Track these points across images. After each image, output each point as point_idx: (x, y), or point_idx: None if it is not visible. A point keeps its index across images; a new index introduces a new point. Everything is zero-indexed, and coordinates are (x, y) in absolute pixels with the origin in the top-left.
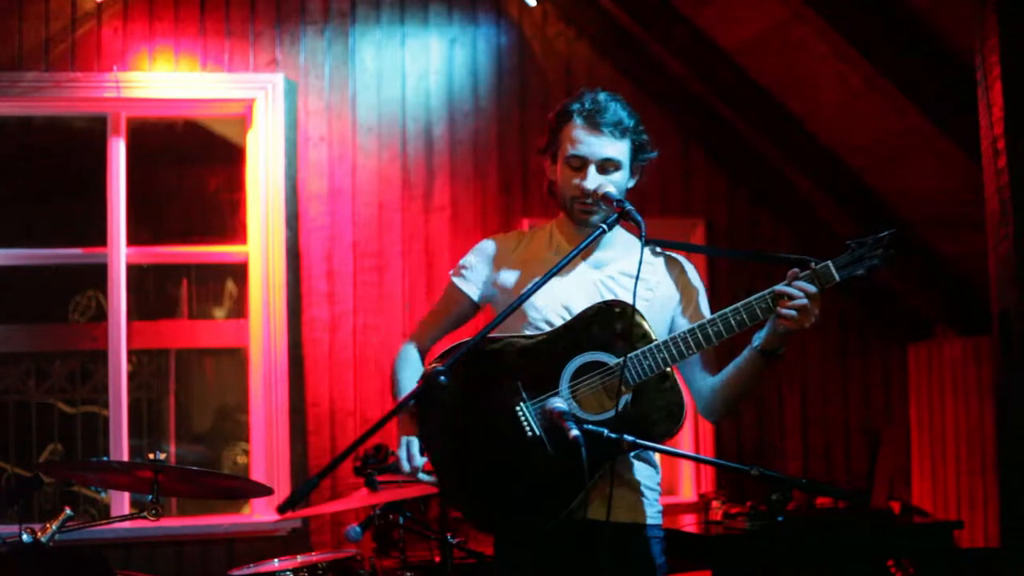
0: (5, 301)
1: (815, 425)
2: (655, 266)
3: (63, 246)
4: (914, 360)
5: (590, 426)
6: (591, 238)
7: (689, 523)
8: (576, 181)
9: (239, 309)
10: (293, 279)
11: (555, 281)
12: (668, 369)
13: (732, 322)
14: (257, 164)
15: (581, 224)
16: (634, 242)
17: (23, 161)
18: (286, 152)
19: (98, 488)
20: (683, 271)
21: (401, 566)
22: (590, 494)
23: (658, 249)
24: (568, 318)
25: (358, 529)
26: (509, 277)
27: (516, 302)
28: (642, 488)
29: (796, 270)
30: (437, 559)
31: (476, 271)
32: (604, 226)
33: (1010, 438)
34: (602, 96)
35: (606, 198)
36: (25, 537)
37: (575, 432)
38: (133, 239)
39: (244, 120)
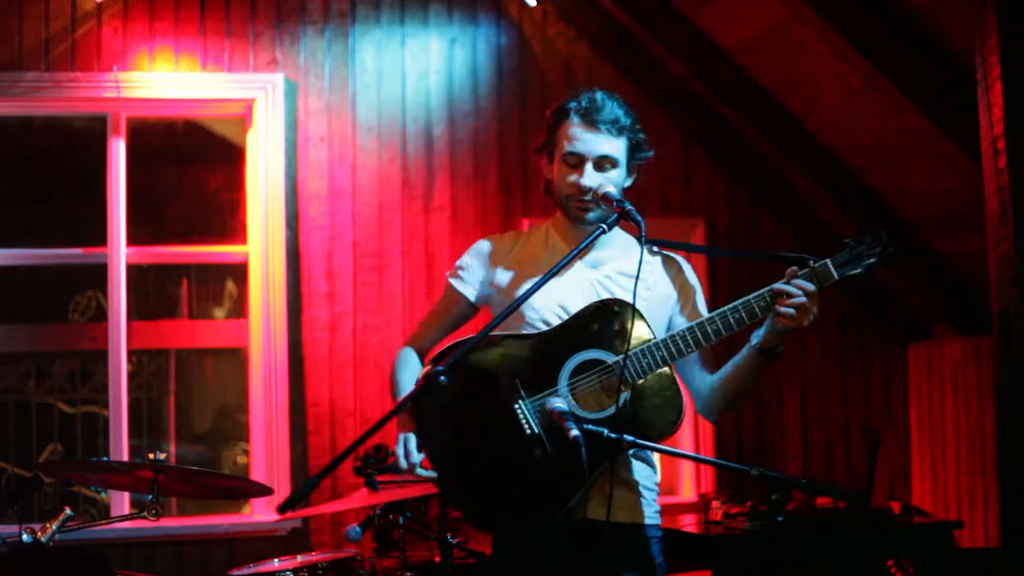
0: (5, 301)
1: (815, 425)
2: (652, 265)
3: (63, 246)
4: (914, 360)
5: (590, 426)
6: (591, 238)
7: (689, 523)
8: (573, 178)
9: (239, 309)
10: (293, 279)
11: (552, 281)
12: (667, 368)
13: (731, 320)
14: (257, 164)
15: (577, 222)
16: (631, 242)
17: (23, 161)
18: (286, 152)
19: (98, 488)
20: (680, 270)
21: (401, 566)
22: (589, 493)
23: (655, 248)
24: (565, 318)
25: (358, 529)
26: (505, 277)
27: (516, 302)
28: (640, 488)
29: (795, 268)
30: (437, 559)
31: (472, 272)
32: (604, 226)
33: (1010, 438)
34: (599, 94)
35: (606, 198)
36: (25, 537)
37: (575, 432)
38: (133, 239)
39: (244, 120)
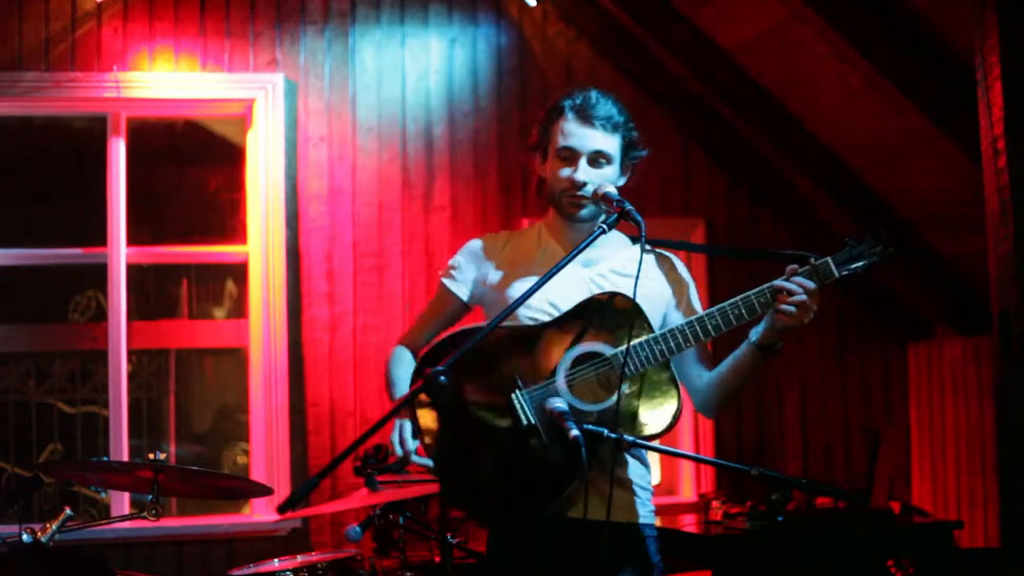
0: (5, 301)
1: (815, 425)
2: (646, 263)
3: (63, 246)
4: (914, 360)
5: (590, 426)
6: (592, 238)
7: (689, 523)
8: (567, 173)
9: (239, 309)
10: (293, 279)
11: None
12: (666, 363)
13: (731, 316)
14: (257, 164)
15: (570, 219)
16: (624, 240)
17: (23, 161)
18: (286, 152)
19: (98, 488)
20: (673, 267)
21: (401, 566)
22: (586, 492)
23: (647, 246)
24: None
25: (358, 529)
26: (498, 276)
27: (516, 302)
28: (634, 487)
29: (795, 266)
30: (437, 559)
31: (465, 271)
32: (604, 226)
33: (1010, 438)
34: (593, 92)
35: (606, 198)
36: (25, 537)
37: (575, 432)
38: (133, 239)
39: (244, 120)
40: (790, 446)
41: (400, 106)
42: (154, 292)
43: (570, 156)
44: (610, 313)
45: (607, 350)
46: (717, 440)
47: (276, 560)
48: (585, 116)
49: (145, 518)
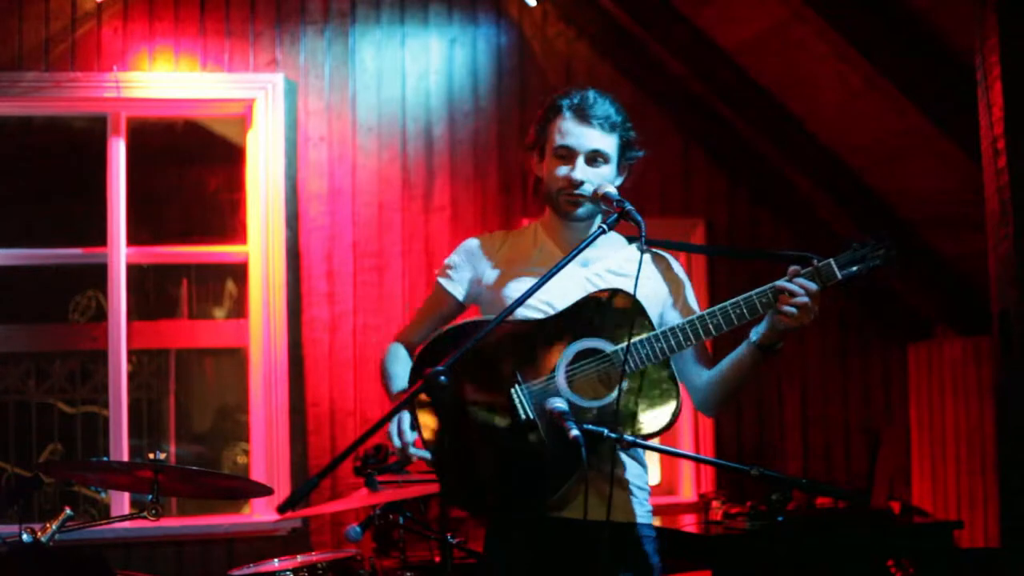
0: (5, 301)
1: (815, 425)
2: (642, 263)
3: (63, 246)
4: (914, 360)
5: (590, 426)
6: (592, 238)
7: (689, 523)
8: (564, 171)
9: (239, 309)
10: (293, 279)
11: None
12: (666, 361)
13: (732, 315)
14: (257, 164)
15: (567, 217)
16: (620, 240)
17: (23, 161)
18: (286, 152)
19: (98, 488)
20: (669, 266)
21: (401, 566)
22: (587, 492)
23: (640, 245)
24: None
25: (358, 529)
26: (494, 276)
27: (516, 302)
28: (632, 487)
29: (797, 267)
30: (437, 559)
31: (461, 271)
32: (605, 226)
33: (1010, 438)
34: (591, 92)
35: (606, 198)
36: (25, 537)
37: (575, 432)
38: (133, 239)
39: (244, 120)
40: (790, 446)
41: (400, 106)
42: (154, 292)
43: (567, 155)
44: (610, 310)
45: (607, 347)
46: (717, 440)
47: (276, 560)
48: (583, 115)
49: (145, 518)
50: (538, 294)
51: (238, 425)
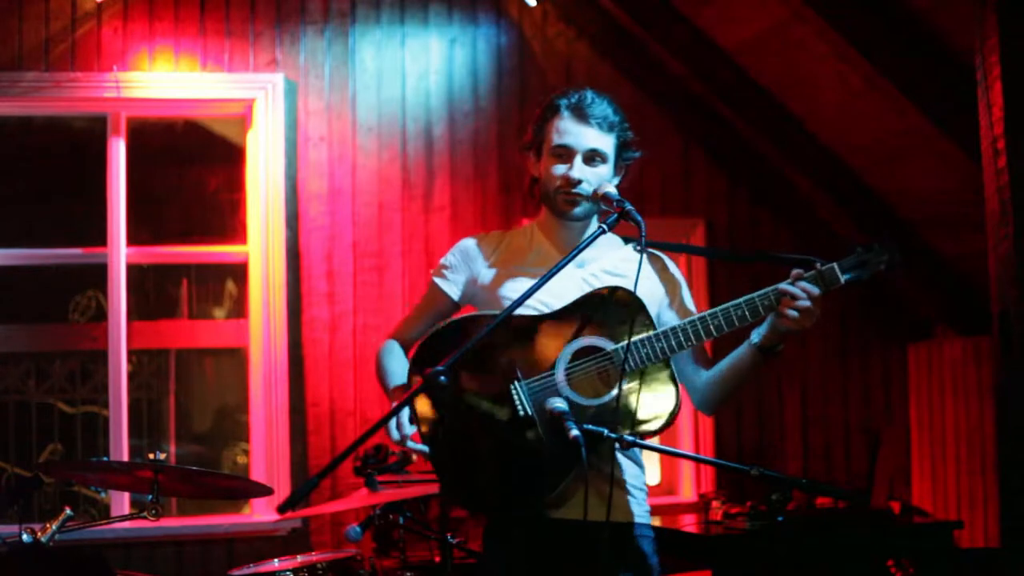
0: (5, 301)
1: (815, 425)
2: (635, 262)
3: (63, 246)
4: (914, 360)
5: (590, 426)
6: (592, 238)
7: (689, 523)
8: (561, 171)
9: (239, 309)
10: (293, 279)
11: (537, 279)
12: (666, 360)
13: (733, 317)
14: (257, 164)
15: (564, 217)
16: (615, 240)
17: (23, 161)
18: (286, 152)
19: (98, 488)
20: (664, 266)
21: (401, 566)
22: (587, 492)
23: (637, 246)
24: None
25: (358, 529)
26: (490, 276)
27: (516, 302)
28: (629, 487)
29: (800, 271)
30: (437, 559)
31: (457, 271)
32: (605, 227)
33: (1010, 438)
34: (589, 92)
35: (606, 198)
36: (25, 537)
37: (575, 432)
38: (133, 239)
39: (244, 120)
40: (790, 446)
41: (400, 106)
42: (154, 292)
43: (565, 153)
44: (611, 308)
45: (607, 345)
46: (717, 440)
47: (276, 560)
48: (581, 114)
49: (145, 518)
50: (536, 295)
51: (238, 425)
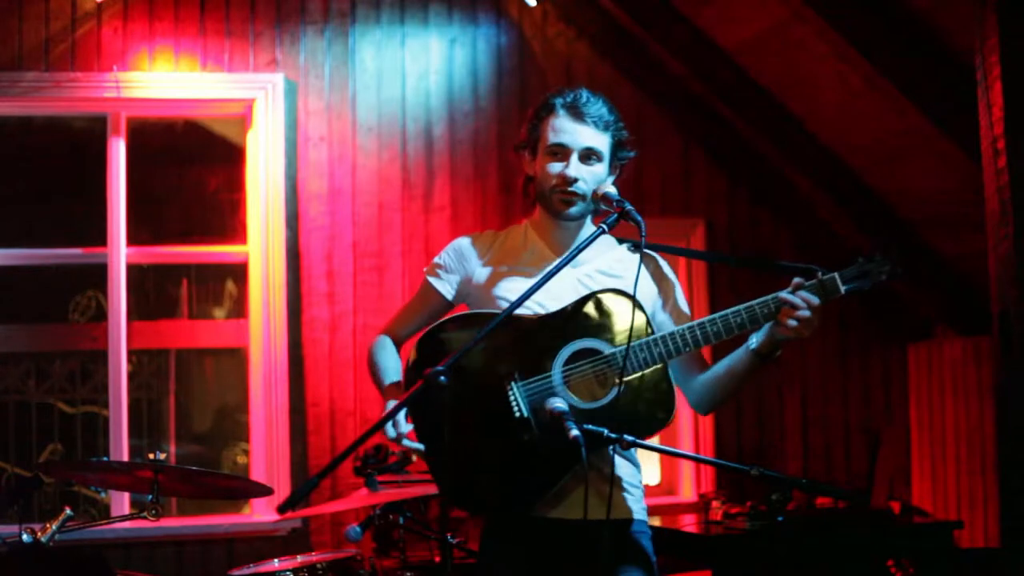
0: (5, 301)
1: (815, 425)
2: (630, 263)
3: (63, 246)
4: (914, 360)
5: (590, 426)
6: (593, 237)
7: (689, 523)
8: (557, 169)
9: (239, 309)
10: (293, 279)
11: (533, 279)
12: (661, 363)
13: (732, 323)
14: (257, 164)
15: (559, 216)
16: (610, 241)
17: (23, 161)
18: (286, 152)
19: (98, 488)
20: (658, 266)
21: (401, 566)
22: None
23: (631, 247)
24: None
25: (358, 529)
26: (484, 275)
27: (514, 303)
28: (626, 484)
29: (800, 280)
30: (437, 559)
31: (451, 270)
32: (605, 227)
33: (1010, 438)
34: (584, 91)
35: (606, 198)
36: (25, 537)
37: (575, 432)
38: (133, 239)
39: (244, 120)
40: (790, 446)
41: (400, 106)
42: (154, 292)
43: (561, 152)
44: (609, 311)
45: (604, 348)
46: (717, 440)
47: (276, 560)
48: (577, 113)
49: (145, 518)
50: (532, 297)
51: (238, 425)
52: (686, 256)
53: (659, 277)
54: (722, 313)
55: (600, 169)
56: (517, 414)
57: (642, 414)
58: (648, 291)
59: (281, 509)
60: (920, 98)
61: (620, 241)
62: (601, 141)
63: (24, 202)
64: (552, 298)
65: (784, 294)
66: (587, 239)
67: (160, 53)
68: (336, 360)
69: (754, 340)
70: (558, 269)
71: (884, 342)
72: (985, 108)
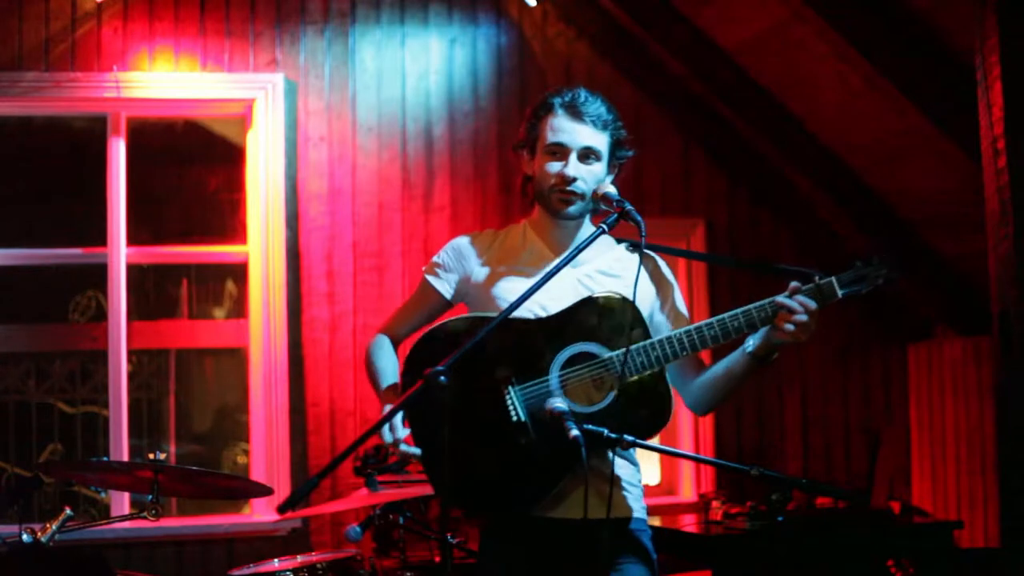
0: (5, 301)
1: (815, 425)
2: (629, 263)
3: (63, 246)
4: (914, 360)
5: (590, 426)
6: (592, 237)
7: (689, 523)
8: (556, 168)
9: (239, 309)
10: (293, 279)
11: (532, 279)
12: (660, 367)
13: (729, 328)
14: (257, 164)
15: (558, 215)
16: (609, 241)
17: (23, 161)
18: (286, 152)
19: (98, 488)
20: (657, 267)
21: (401, 566)
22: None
23: (629, 247)
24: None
25: (358, 529)
26: (483, 275)
27: (514, 304)
28: (625, 483)
29: (797, 284)
30: (437, 559)
31: (450, 270)
32: (604, 227)
33: (1010, 438)
34: (582, 91)
35: (606, 198)
36: (25, 537)
37: (575, 432)
38: (133, 239)
39: (244, 120)
40: (790, 446)
41: (400, 106)
42: (154, 292)
43: (560, 151)
44: (606, 314)
45: (601, 352)
46: (717, 440)
47: (276, 560)
48: (575, 112)
49: (145, 518)
50: (532, 297)
51: (238, 425)
52: (684, 257)
53: (658, 278)
54: (719, 317)
55: (599, 168)
56: (514, 418)
57: (639, 418)
58: (647, 292)
59: (281, 509)
60: (920, 98)
61: (619, 241)
62: (600, 140)
63: (24, 202)
64: (552, 298)
65: (781, 298)
66: (587, 239)
67: (160, 53)
68: (336, 360)
69: (751, 343)
70: (558, 269)
71: (884, 342)
72: (985, 108)
